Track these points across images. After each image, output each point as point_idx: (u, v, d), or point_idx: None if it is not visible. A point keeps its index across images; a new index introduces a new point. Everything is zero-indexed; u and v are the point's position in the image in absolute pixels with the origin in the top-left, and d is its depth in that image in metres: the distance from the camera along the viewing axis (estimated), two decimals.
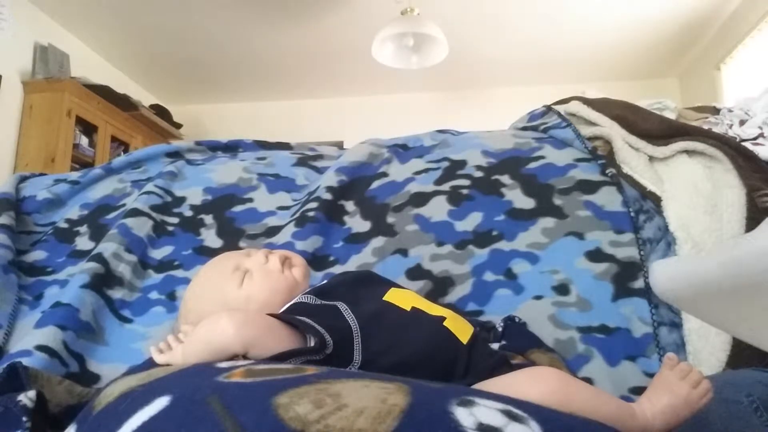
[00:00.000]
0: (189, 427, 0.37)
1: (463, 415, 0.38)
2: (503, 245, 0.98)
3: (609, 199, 1.02)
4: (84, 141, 3.55)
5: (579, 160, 1.11)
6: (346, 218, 1.09)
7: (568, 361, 0.82)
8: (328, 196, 1.10)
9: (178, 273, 1.02)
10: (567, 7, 3.54)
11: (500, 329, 0.83)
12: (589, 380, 0.80)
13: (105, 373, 0.83)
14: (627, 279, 0.91)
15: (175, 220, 1.13)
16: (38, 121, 3.31)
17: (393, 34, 3.00)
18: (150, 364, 0.62)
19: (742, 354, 0.85)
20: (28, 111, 3.33)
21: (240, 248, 1.05)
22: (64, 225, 1.16)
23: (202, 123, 4.95)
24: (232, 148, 1.38)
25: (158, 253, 1.06)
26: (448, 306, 0.75)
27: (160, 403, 0.41)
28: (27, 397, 0.57)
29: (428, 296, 0.87)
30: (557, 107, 1.32)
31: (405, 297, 0.66)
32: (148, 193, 1.16)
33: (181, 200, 1.17)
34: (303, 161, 1.27)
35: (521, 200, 1.05)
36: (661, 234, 0.99)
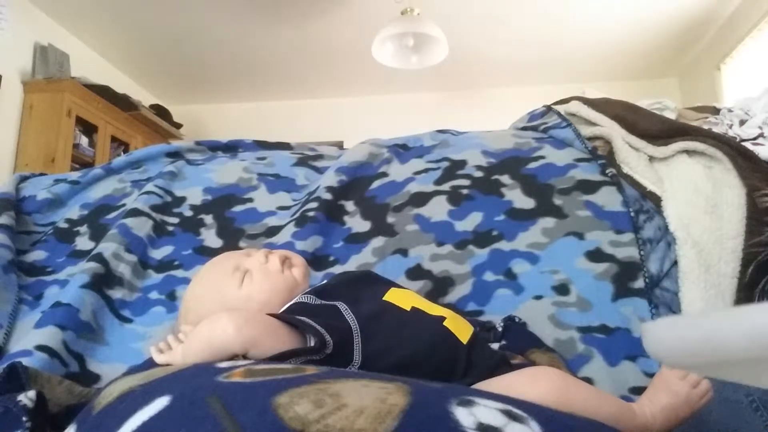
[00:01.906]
0: (189, 427, 0.37)
1: (462, 414, 0.38)
2: (503, 245, 0.98)
3: (609, 199, 1.02)
4: (84, 141, 3.55)
5: (579, 160, 1.11)
6: (346, 218, 1.09)
7: (568, 361, 0.82)
8: (328, 196, 1.10)
9: (178, 273, 1.02)
10: (567, 7, 3.54)
11: (500, 329, 0.83)
12: (589, 380, 0.80)
13: (105, 373, 0.83)
14: (627, 279, 0.91)
15: (175, 220, 1.13)
16: (38, 121, 3.31)
17: (393, 34, 3.00)
18: (150, 364, 0.62)
19: None
20: (28, 111, 3.33)
21: (240, 248, 1.05)
22: (64, 225, 1.16)
23: (202, 123, 4.95)
24: (232, 148, 1.38)
25: (158, 253, 1.06)
26: (448, 306, 0.75)
27: (160, 403, 0.41)
28: (27, 397, 0.57)
29: (428, 296, 0.87)
30: (557, 107, 1.32)
31: (405, 297, 0.66)
32: (148, 193, 1.16)
33: (181, 200, 1.17)
34: (303, 161, 1.27)
35: (521, 200, 1.05)
36: (661, 234, 0.99)
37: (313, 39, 3.91)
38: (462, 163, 1.15)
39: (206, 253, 1.04)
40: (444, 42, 3.01)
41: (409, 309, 0.64)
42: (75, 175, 1.29)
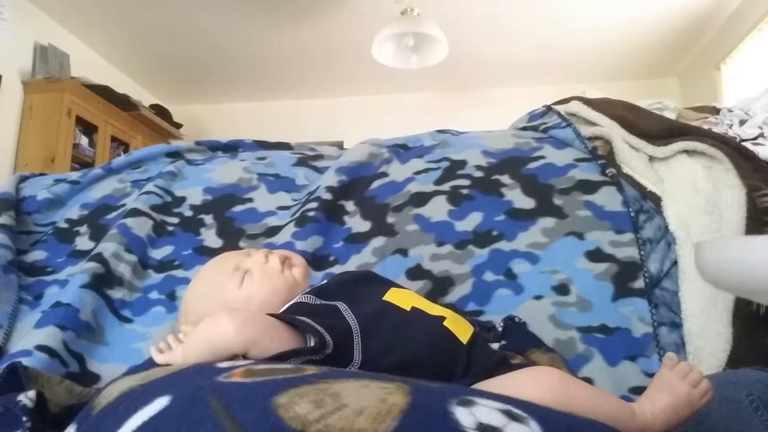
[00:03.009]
0: (189, 427, 0.37)
1: (462, 414, 0.38)
2: (503, 245, 0.98)
3: (609, 199, 1.02)
4: (84, 141, 3.55)
5: (579, 160, 1.11)
6: (346, 218, 1.09)
7: (568, 361, 0.82)
8: (328, 196, 1.10)
9: (178, 273, 1.02)
10: (567, 8, 3.54)
11: (500, 329, 0.83)
12: (589, 380, 0.80)
13: (105, 373, 0.83)
14: (627, 279, 0.91)
15: (175, 220, 1.13)
16: (38, 121, 3.31)
17: (393, 34, 3.00)
18: (150, 364, 0.62)
19: (742, 353, 0.85)
20: (28, 111, 3.32)
21: (240, 248, 1.05)
22: (64, 225, 1.16)
23: (202, 123, 4.95)
24: (232, 148, 1.38)
25: (158, 253, 1.06)
26: (448, 306, 0.75)
27: (160, 403, 0.41)
28: (27, 397, 0.57)
29: (428, 296, 0.87)
30: (557, 107, 1.32)
31: (405, 297, 0.66)
32: (148, 193, 1.16)
33: (181, 200, 1.17)
34: (303, 161, 1.27)
35: (521, 200, 1.05)
36: (661, 234, 0.99)
37: (313, 39, 3.91)
38: (462, 163, 1.15)
39: (206, 253, 1.04)
40: (444, 42, 3.00)
41: (409, 309, 0.64)
42: (75, 175, 1.29)
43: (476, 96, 4.68)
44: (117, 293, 0.96)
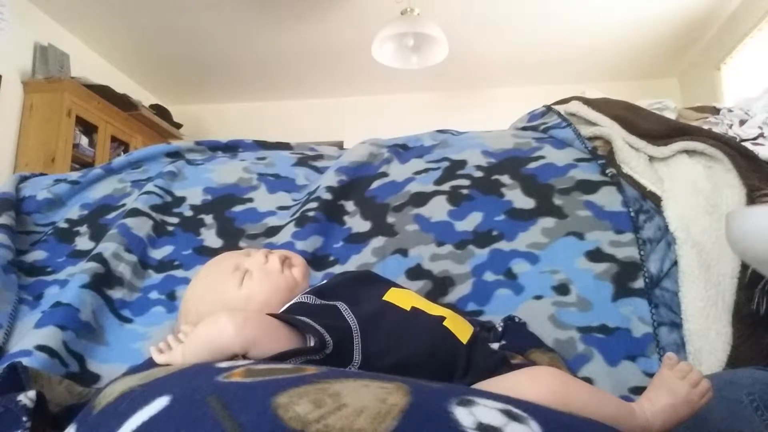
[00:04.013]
0: (188, 427, 0.37)
1: (462, 414, 0.38)
2: (503, 245, 0.99)
3: (609, 199, 1.02)
4: (84, 141, 3.55)
5: (579, 160, 1.11)
6: (346, 218, 1.09)
7: (568, 361, 0.82)
8: (328, 196, 1.10)
9: (178, 273, 1.02)
10: (567, 8, 3.54)
11: (500, 329, 0.83)
12: (589, 380, 0.80)
13: (105, 373, 0.83)
14: (627, 279, 0.91)
15: (175, 220, 1.13)
16: (38, 121, 3.31)
17: (393, 34, 3.00)
18: (150, 364, 0.62)
19: (742, 353, 0.85)
20: (28, 111, 3.33)
21: (240, 248, 1.05)
22: (64, 225, 1.16)
23: (202, 123, 4.95)
24: (232, 148, 1.38)
25: (158, 253, 1.06)
26: (448, 306, 0.75)
27: (160, 403, 0.41)
28: (27, 397, 0.57)
29: (428, 296, 0.87)
30: (557, 107, 1.32)
31: (405, 297, 0.66)
32: (148, 193, 1.16)
33: (181, 200, 1.17)
34: (303, 161, 1.27)
35: (521, 200, 1.05)
36: (661, 234, 0.99)
37: (313, 39, 3.91)
38: (462, 163, 1.15)
39: (206, 253, 1.04)
40: (444, 42, 3.00)
41: (408, 309, 0.64)
42: (75, 175, 1.29)
43: (476, 96, 4.68)
44: (117, 293, 0.96)
